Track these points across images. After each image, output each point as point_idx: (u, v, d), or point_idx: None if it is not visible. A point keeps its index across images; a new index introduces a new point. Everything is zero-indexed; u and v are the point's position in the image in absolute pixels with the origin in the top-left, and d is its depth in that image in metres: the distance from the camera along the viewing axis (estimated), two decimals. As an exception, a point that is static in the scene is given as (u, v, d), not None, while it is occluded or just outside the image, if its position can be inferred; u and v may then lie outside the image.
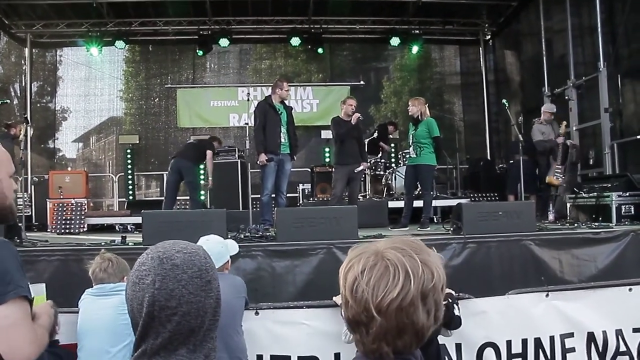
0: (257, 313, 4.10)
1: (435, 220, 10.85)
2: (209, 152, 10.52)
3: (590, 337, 4.27)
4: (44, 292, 2.70)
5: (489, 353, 4.06)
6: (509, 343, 4.11)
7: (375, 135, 12.58)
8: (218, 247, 4.11)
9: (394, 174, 12.23)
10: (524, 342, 4.15)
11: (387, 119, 16.01)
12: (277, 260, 6.38)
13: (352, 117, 9.19)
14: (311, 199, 12.41)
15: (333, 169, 9.38)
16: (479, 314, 4.10)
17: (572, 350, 4.22)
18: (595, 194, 9.03)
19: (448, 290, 3.49)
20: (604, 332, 4.30)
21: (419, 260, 1.42)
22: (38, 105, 15.92)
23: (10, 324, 1.99)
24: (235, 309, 3.90)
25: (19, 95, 15.36)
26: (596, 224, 8.25)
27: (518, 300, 4.21)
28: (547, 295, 4.25)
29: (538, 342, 4.16)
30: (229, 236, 6.67)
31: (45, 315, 2.38)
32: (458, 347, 4.05)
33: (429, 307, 1.42)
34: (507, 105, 9.54)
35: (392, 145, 14.12)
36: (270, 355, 4.05)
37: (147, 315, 1.53)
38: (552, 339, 4.20)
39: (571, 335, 4.25)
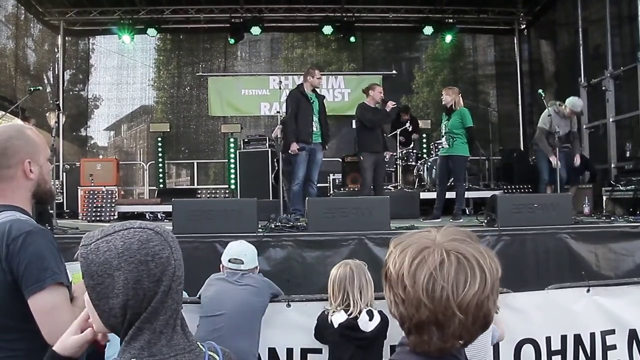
0: (288, 305, 4.05)
1: (467, 212, 10.70)
2: None
3: (633, 335, 4.16)
4: (79, 270, 2.69)
5: (528, 349, 3.97)
6: (548, 339, 4.02)
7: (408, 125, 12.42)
8: (253, 250, 4.18)
9: (425, 165, 12.08)
10: (564, 338, 4.05)
11: (419, 110, 15.87)
12: (307, 251, 6.34)
13: (382, 104, 9.09)
14: (342, 189, 12.31)
15: (361, 157, 9.19)
16: (518, 309, 4.00)
17: (613, 347, 4.12)
18: (632, 187, 8.84)
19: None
20: (647, 330, 4.18)
21: (483, 251, 1.37)
22: (70, 93, 16.05)
23: (51, 308, 2.13)
24: (254, 309, 3.89)
25: (51, 82, 15.45)
26: (633, 217, 8.05)
27: (558, 295, 4.12)
28: (588, 290, 4.14)
29: (578, 339, 4.06)
30: (260, 226, 6.66)
31: (82, 297, 2.38)
32: (496, 342, 3.94)
33: (495, 297, 1.38)
34: (543, 95, 9.31)
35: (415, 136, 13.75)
36: (301, 349, 4.00)
37: (164, 291, 1.52)
38: (592, 335, 4.10)
39: (612, 332, 4.15)
